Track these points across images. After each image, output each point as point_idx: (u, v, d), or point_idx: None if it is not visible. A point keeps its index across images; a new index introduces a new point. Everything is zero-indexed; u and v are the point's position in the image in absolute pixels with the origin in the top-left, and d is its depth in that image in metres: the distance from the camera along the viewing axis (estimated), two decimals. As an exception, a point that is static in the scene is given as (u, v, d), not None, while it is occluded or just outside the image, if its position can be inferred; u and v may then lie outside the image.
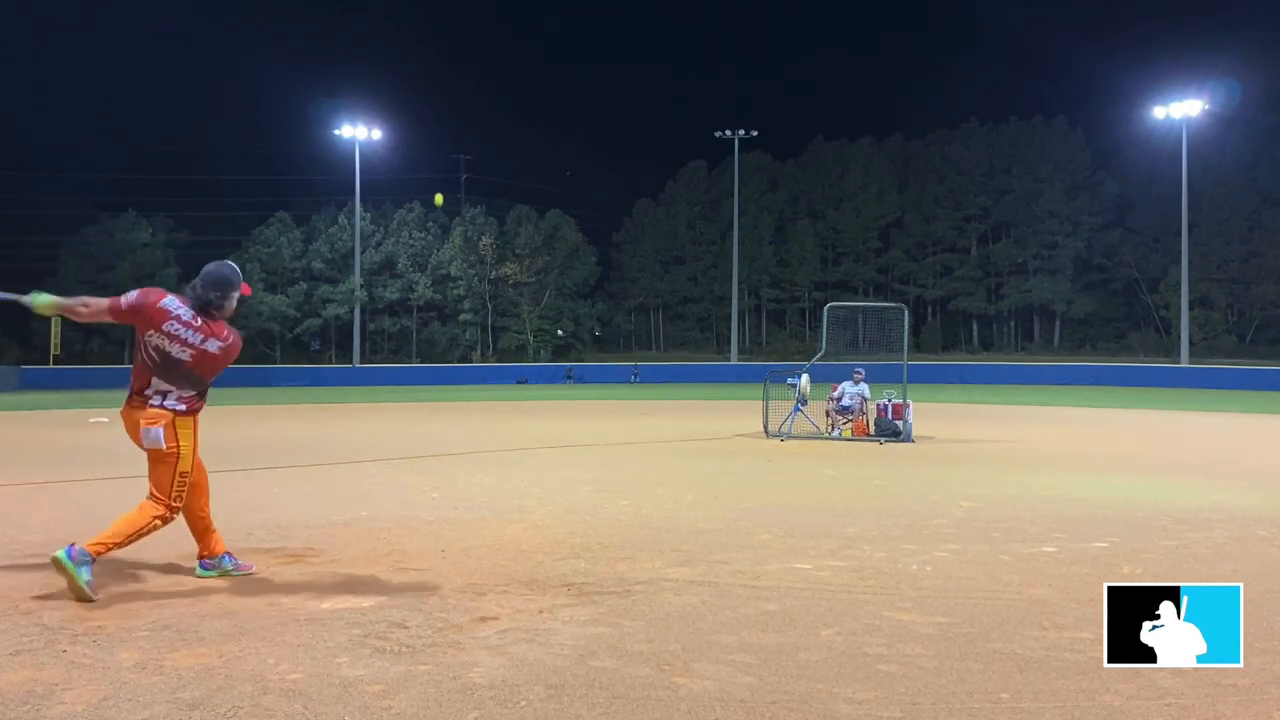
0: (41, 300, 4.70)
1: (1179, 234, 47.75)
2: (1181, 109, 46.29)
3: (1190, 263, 48.79)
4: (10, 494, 8.44)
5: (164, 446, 4.66)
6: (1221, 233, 56.99)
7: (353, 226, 55.84)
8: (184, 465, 4.74)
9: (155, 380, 4.68)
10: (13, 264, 55.92)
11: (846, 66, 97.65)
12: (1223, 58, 55.04)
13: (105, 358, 53.80)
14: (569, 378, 49.41)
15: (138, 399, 4.72)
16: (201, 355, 4.68)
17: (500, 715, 3.12)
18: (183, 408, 4.72)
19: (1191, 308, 51.03)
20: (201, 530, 5.05)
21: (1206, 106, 47.14)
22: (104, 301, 4.77)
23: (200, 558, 5.06)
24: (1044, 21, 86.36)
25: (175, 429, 4.69)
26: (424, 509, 7.49)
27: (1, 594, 4.60)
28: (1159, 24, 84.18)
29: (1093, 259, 62.39)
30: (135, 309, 4.69)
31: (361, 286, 56.25)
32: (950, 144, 68.27)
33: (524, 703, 3.22)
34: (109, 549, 4.55)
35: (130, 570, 5.22)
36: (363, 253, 56.93)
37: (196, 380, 4.74)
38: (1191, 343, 50.23)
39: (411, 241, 60.47)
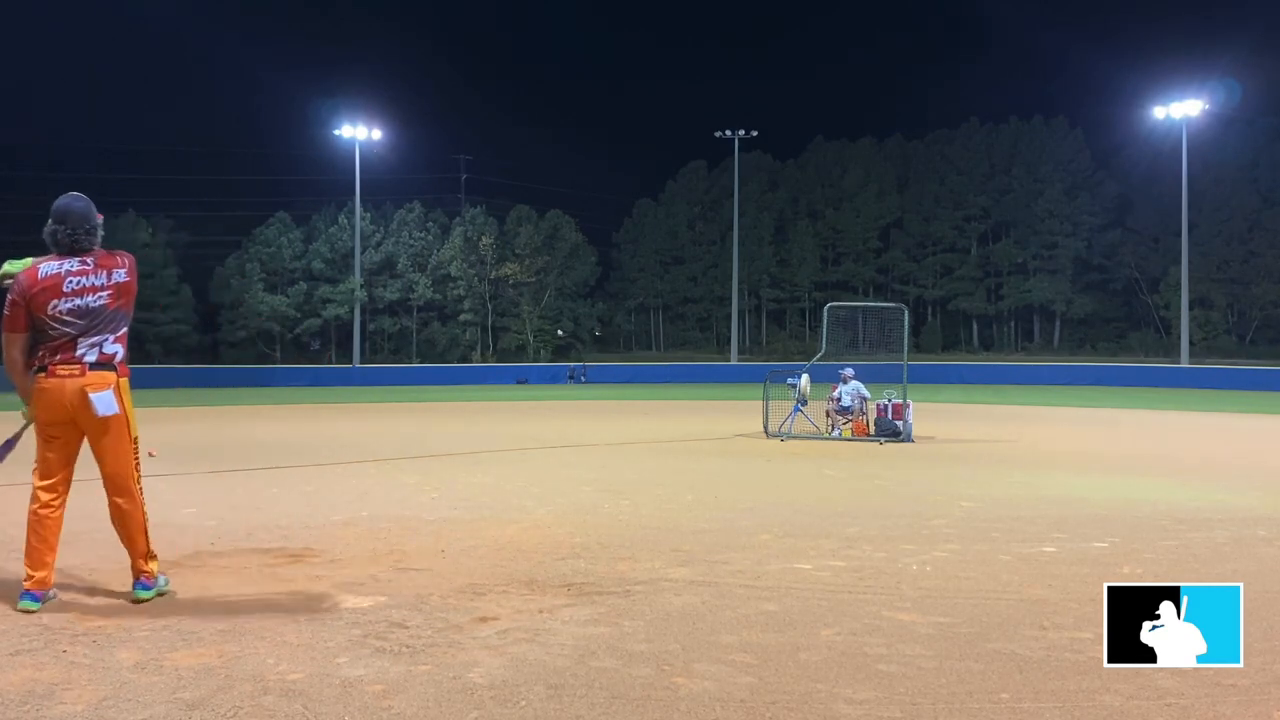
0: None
1: (1179, 234, 47.68)
2: (1181, 109, 46.21)
3: (1190, 263, 48.72)
4: (10, 494, 8.43)
5: (117, 410, 4.35)
6: (1221, 233, 56.93)
7: (353, 226, 55.81)
8: (135, 429, 4.52)
9: (81, 340, 4.29)
10: (13, 264, 55.92)
11: (846, 66, 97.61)
12: (1223, 58, 54.99)
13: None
14: (571, 378, 49.34)
15: (65, 366, 4.27)
16: (118, 289, 4.38)
17: (500, 715, 3.12)
18: (121, 350, 4.40)
19: (1191, 308, 50.96)
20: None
21: (1206, 106, 47.04)
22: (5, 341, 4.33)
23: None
24: (1044, 21, 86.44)
25: (121, 391, 4.39)
26: (424, 509, 7.49)
27: (1, 594, 4.60)
28: (1159, 24, 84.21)
29: (1093, 259, 62.34)
30: (24, 302, 4.26)
31: (361, 286, 56.23)
32: (950, 144, 68.16)
33: (524, 703, 3.22)
34: (153, 556, 4.60)
35: (130, 570, 5.21)
36: (363, 253, 56.90)
37: (124, 317, 4.44)
38: (1191, 343, 50.16)
39: (411, 241, 60.43)
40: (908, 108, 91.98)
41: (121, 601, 4.53)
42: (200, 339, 57.29)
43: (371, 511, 7.35)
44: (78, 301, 4.27)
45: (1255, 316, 57.93)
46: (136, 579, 4.55)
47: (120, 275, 4.40)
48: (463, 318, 61.24)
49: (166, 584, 4.68)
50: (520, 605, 4.49)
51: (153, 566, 4.57)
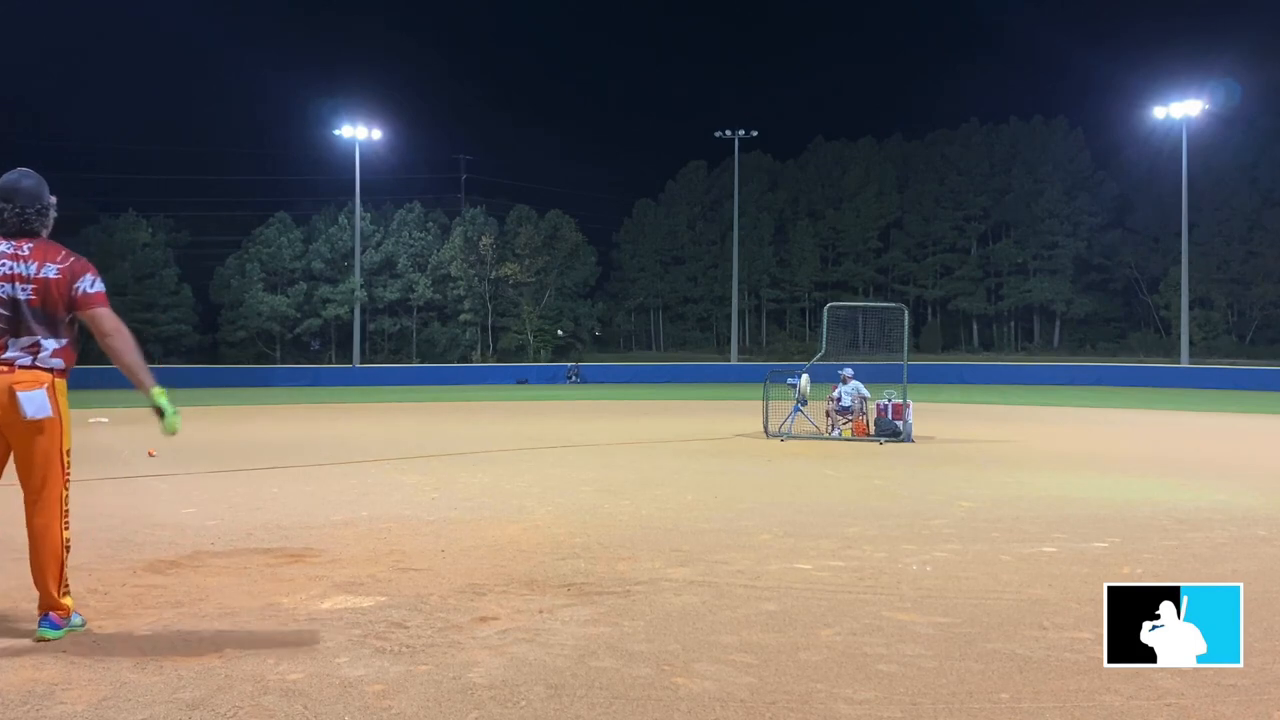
0: None
1: (1179, 234, 47.68)
2: (1181, 109, 46.20)
3: (1190, 263, 48.70)
4: (11, 494, 8.43)
5: (51, 414, 3.80)
6: (1221, 233, 56.93)
7: (353, 226, 55.82)
8: (69, 440, 3.96)
9: (12, 343, 3.79)
10: (13, 264, 55.78)
11: (847, 66, 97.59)
12: (1223, 58, 55.02)
13: (107, 357, 53.49)
14: (568, 378, 49.29)
15: None
16: (44, 286, 3.81)
17: (500, 715, 3.12)
18: (60, 363, 3.88)
19: (1191, 308, 50.95)
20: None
21: (1206, 106, 47.03)
22: None
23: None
24: (1044, 21, 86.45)
25: (56, 393, 3.85)
26: (424, 509, 7.49)
27: (1, 594, 4.60)
28: (1159, 24, 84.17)
29: (1093, 259, 62.32)
30: None
31: (361, 286, 56.25)
32: (950, 144, 68.14)
33: (524, 703, 3.22)
34: (66, 591, 3.94)
35: (130, 570, 5.22)
36: (363, 253, 56.92)
37: (55, 321, 3.86)
38: (1191, 343, 50.14)
39: (411, 241, 60.43)
40: (908, 108, 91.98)
41: (121, 601, 4.52)
42: (200, 339, 57.28)
43: (371, 511, 7.35)
44: (6, 289, 3.78)
45: (1255, 316, 57.93)
46: (44, 614, 3.87)
47: (50, 271, 3.83)
48: (463, 318, 61.24)
49: (83, 624, 4.01)
50: (520, 605, 4.49)
51: (68, 602, 3.94)
